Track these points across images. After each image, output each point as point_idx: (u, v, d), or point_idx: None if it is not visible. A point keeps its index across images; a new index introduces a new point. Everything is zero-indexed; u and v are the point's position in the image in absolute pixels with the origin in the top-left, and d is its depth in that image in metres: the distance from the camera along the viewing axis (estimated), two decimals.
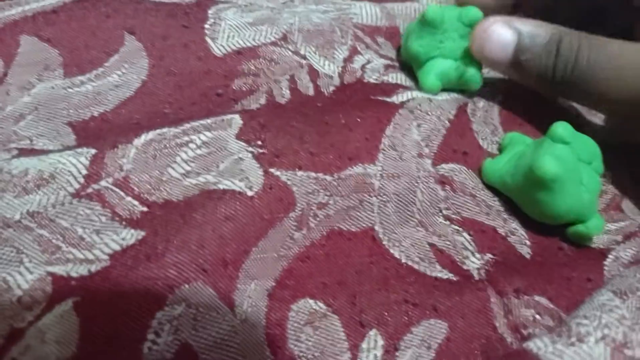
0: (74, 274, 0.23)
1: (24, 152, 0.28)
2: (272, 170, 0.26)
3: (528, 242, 0.28)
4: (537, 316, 0.25)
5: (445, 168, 0.29)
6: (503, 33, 0.30)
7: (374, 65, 0.34)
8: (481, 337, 0.24)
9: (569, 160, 0.27)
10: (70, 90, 0.30)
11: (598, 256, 0.27)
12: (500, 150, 0.31)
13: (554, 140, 0.27)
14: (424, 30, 0.31)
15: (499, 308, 0.25)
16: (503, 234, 0.28)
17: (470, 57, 0.32)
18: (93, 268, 0.23)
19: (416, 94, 0.32)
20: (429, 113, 0.31)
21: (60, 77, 0.30)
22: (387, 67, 0.34)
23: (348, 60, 0.34)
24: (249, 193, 0.25)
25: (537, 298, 0.25)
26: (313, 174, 0.27)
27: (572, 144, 0.27)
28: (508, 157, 0.29)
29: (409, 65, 0.34)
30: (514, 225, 0.28)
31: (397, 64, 0.35)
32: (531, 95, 0.33)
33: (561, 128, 0.27)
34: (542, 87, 0.32)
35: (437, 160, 0.29)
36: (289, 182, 0.26)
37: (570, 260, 0.27)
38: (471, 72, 0.32)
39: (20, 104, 0.29)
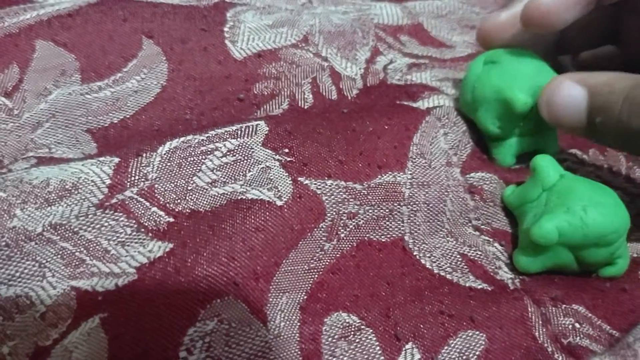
0: (99, 289, 0.22)
1: (43, 161, 0.27)
2: (301, 179, 0.26)
3: None
4: (577, 324, 0.24)
5: (475, 177, 0.29)
6: (571, 93, 0.25)
7: (396, 65, 0.33)
8: (521, 348, 0.23)
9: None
10: (88, 96, 0.29)
11: (632, 266, 0.26)
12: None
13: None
14: (506, 113, 0.28)
15: (537, 317, 0.24)
16: None
17: (546, 127, 0.28)
18: (120, 282, 0.22)
19: (442, 100, 0.31)
20: (457, 124, 0.30)
21: (77, 82, 0.29)
22: (410, 66, 0.34)
23: (370, 61, 0.34)
24: (279, 203, 0.24)
25: (575, 307, 0.25)
26: (343, 183, 0.26)
27: None
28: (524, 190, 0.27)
29: (468, 116, 0.31)
30: None
31: (421, 62, 0.34)
32: None
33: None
34: (629, 150, 0.28)
35: (466, 169, 0.29)
36: (318, 191, 0.25)
37: None
38: (549, 143, 0.29)
39: (37, 111, 0.28)
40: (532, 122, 0.28)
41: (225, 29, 0.32)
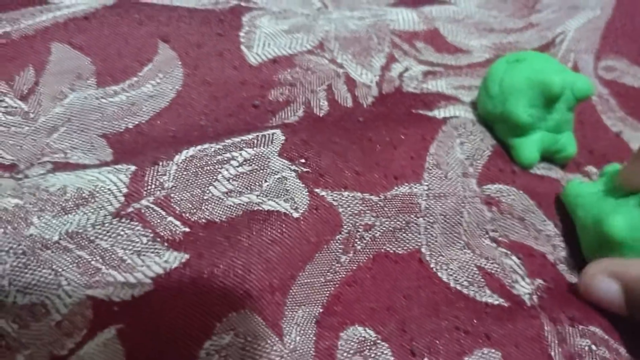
0: (115, 299, 0.22)
1: (58, 167, 0.27)
2: (317, 190, 0.25)
3: (578, 272, 0.27)
4: (594, 347, 0.24)
5: (492, 189, 0.29)
6: (606, 288, 0.25)
7: (412, 73, 0.33)
8: None
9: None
10: (103, 100, 0.29)
11: None
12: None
13: None
14: (539, 99, 0.28)
15: (553, 336, 0.24)
16: (552, 261, 0.27)
17: (569, 130, 0.30)
18: (136, 292, 0.22)
19: (459, 109, 0.31)
20: (473, 134, 0.30)
21: (93, 86, 0.29)
22: (426, 74, 0.33)
23: (385, 68, 0.33)
24: (295, 215, 0.24)
25: (592, 328, 0.24)
26: (359, 194, 0.26)
27: None
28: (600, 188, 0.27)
29: (487, 121, 0.31)
30: (564, 253, 0.27)
31: (437, 70, 0.34)
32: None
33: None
34: None
35: (483, 180, 0.28)
36: (335, 203, 0.25)
37: None
38: (569, 143, 0.30)
39: (53, 114, 0.28)
40: (558, 114, 0.29)
41: (241, 34, 0.32)
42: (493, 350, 0.23)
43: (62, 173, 0.25)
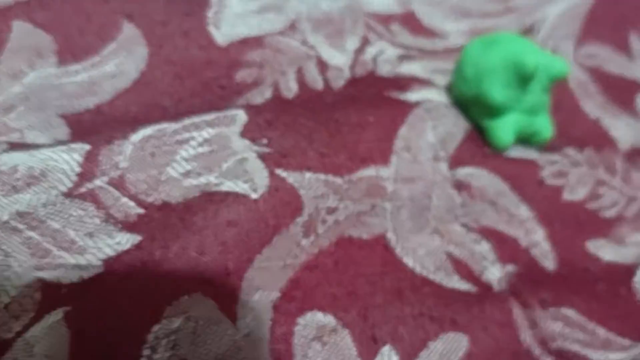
0: (64, 281, 0.21)
1: (15, 147, 0.26)
2: (278, 171, 0.25)
3: (551, 256, 0.26)
4: (567, 329, 0.23)
5: (462, 172, 0.28)
6: None
7: (386, 57, 0.32)
8: (506, 351, 0.23)
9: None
10: (64, 79, 0.28)
11: (625, 272, 0.25)
12: None
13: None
14: (513, 80, 0.28)
15: (523, 320, 0.23)
16: (525, 245, 0.26)
17: (545, 113, 0.29)
18: (85, 275, 0.21)
19: (432, 92, 0.30)
20: (446, 117, 0.29)
21: (53, 65, 0.28)
22: (401, 57, 0.32)
23: (359, 51, 0.32)
24: (254, 196, 0.23)
25: (564, 311, 0.24)
26: (322, 176, 0.25)
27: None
28: None
29: (461, 103, 0.31)
30: (537, 237, 0.27)
31: (412, 53, 0.33)
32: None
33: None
34: None
35: (454, 163, 0.28)
36: (296, 185, 0.24)
37: (596, 276, 0.26)
38: (544, 125, 0.30)
39: (11, 93, 0.27)
40: (533, 96, 0.28)
41: (209, 14, 0.31)
42: (460, 334, 0.23)
43: (15, 152, 0.24)
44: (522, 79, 0.27)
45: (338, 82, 0.31)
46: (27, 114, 0.27)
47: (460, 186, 0.27)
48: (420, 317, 0.23)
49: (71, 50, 0.29)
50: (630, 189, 0.30)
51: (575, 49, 0.36)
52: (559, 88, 0.32)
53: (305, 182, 0.25)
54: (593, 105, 0.34)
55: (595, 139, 0.32)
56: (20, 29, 0.29)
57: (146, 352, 0.20)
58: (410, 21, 0.34)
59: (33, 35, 0.29)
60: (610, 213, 0.29)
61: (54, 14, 0.29)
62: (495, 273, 0.25)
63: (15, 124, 0.27)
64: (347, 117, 0.27)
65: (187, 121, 0.26)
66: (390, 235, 0.25)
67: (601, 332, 0.24)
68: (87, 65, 0.29)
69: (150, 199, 0.23)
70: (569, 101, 0.33)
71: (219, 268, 0.22)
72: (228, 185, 0.24)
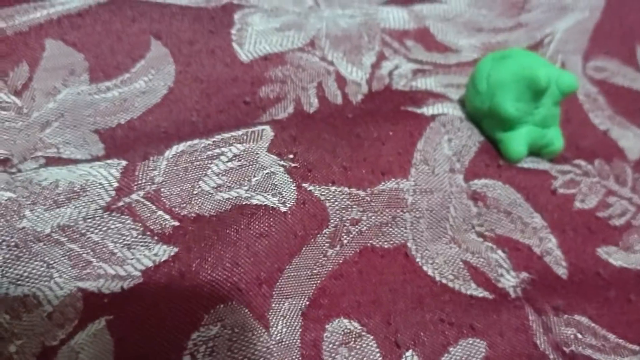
0: (105, 291, 0.22)
1: (51, 161, 0.27)
2: (305, 185, 0.26)
3: (564, 263, 0.27)
4: (579, 335, 0.24)
5: (478, 184, 0.29)
6: None
7: (401, 71, 0.33)
8: (522, 356, 0.24)
9: None
10: (96, 96, 0.30)
11: (635, 279, 0.27)
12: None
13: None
14: (525, 93, 0.29)
15: (538, 325, 0.25)
16: (539, 253, 0.27)
17: (556, 126, 0.30)
18: (125, 285, 0.22)
19: (447, 106, 0.31)
20: (461, 130, 0.30)
21: (86, 82, 0.30)
22: (415, 71, 0.34)
23: (375, 66, 0.34)
24: (283, 209, 0.25)
25: (577, 317, 0.25)
26: (346, 189, 0.26)
27: None
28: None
29: (475, 117, 0.32)
30: (550, 245, 0.28)
31: (426, 68, 0.34)
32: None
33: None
34: None
35: (469, 175, 0.29)
36: (322, 198, 0.26)
37: (608, 282, 0.27)
38: (556, 137, 0.31)
39: (46, 110, 0.29)
40: (544, 109, 0.29)
41: (233, 32, 0.32)
42: (478, 340, 0.24)
43: (54, 167, 0.26)
44: (535, 92, 0.28)
45: (357, 97, 0.32)
46: (62, 130, 0.28)
47: (476, 197, 0.28)
48: (441, 323, 0.24)
49: (102, 68, 0.30)
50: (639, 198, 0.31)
51: (583, 63, 0.37)
52: (569, 101, 0.33)
53: (331, 195, 0.26)
54: (602, 117, 0.35)
55: (605, 149, 0.33)
56: (53, 47, 0.30)
57: (186, 358, 0.21)
58: (425, 37, 0.35)
59: (65, 53, 0.30)
60: (620, 221, 0.30)
61: (85, 33, 0.31)
62: (510, 280, 0.26)
63: (52, 140, 0.28)
64: (368, 131, 0.28)
65: (217, 137, 0.27)
66: (410, 245, 0.26)
67: (612, 337, 0.25)
68: (117, 83, 0.30)
69: (184, 212, 0.24)
70: (579, 113, 0.34)
71: (252, 278, 0.23)
72: (258, 199, 0.25)
